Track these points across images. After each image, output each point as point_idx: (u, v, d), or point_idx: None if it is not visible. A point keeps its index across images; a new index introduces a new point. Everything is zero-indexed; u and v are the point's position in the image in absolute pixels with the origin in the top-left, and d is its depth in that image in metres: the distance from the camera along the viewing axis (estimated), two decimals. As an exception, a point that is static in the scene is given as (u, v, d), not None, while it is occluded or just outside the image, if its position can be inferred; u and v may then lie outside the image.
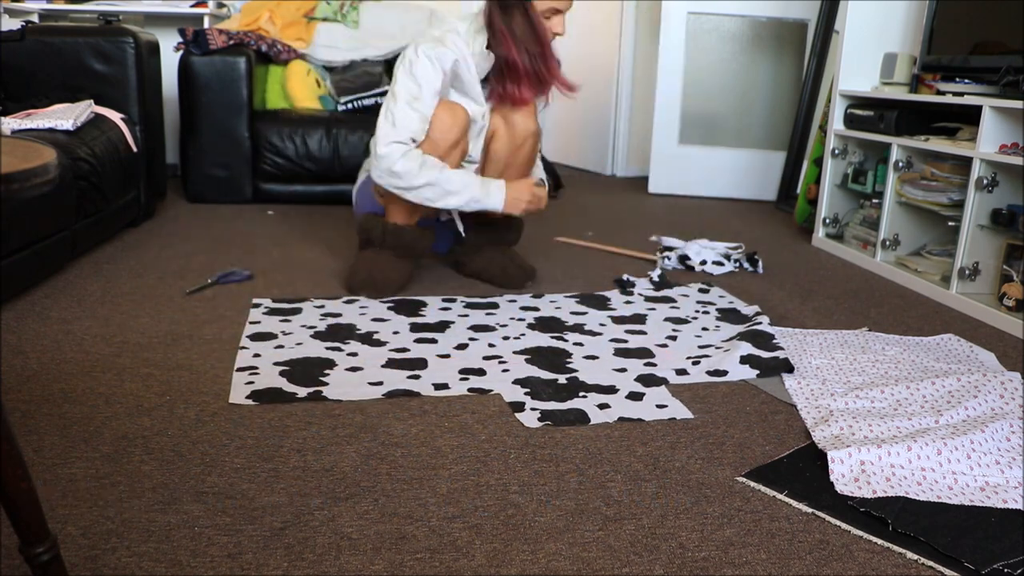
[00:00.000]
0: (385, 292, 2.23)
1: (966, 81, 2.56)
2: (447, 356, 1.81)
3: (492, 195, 2.15)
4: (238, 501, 1.20)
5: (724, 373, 1.76)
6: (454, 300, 2.23)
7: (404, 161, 2.07)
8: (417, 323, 2.02)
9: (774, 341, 1.91)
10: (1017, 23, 2.34)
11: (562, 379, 1.70)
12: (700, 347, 1.93)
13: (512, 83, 2.21)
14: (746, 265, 2.72)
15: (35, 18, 3.93)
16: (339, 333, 1.92)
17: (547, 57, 2.19)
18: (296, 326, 1.96)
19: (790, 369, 1.78)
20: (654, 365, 1.81)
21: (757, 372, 1.76)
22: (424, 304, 2.18)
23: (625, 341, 1.96)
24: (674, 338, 1.99)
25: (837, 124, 3.09)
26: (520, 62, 2.16)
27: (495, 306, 2.19)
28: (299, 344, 1.84)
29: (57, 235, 2.25)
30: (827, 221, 3.16)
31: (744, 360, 1.80)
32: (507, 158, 2.33)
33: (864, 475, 1.33)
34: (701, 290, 2.43)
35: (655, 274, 2.49)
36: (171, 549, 1.08)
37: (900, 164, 2.70)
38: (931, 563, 1.12)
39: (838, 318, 2.25)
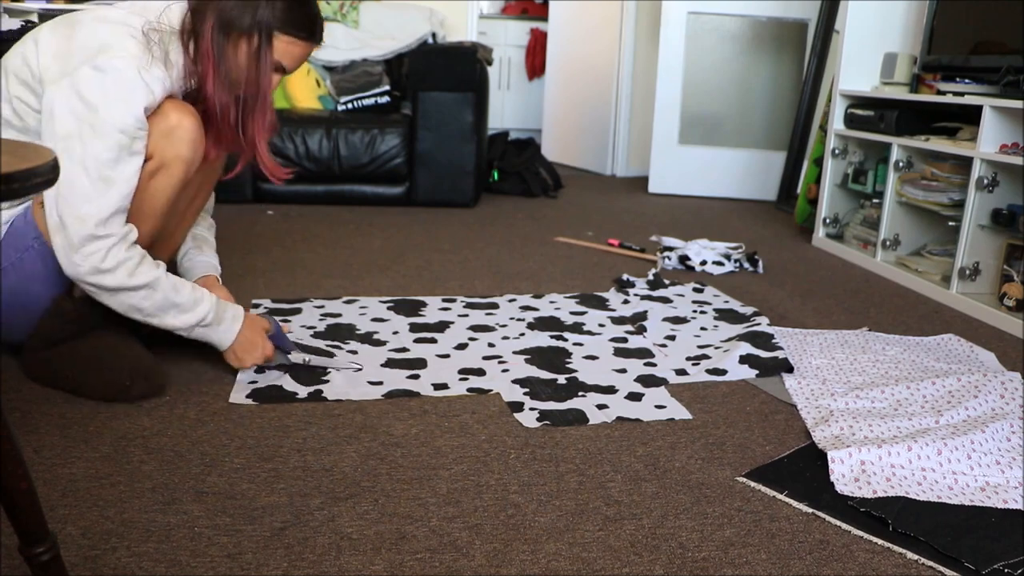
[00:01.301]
0: (159, 379, 1.56)
1: (966, 81, 2.56)
2: (447, 356, 1.81)
3: (224, 325, 1.57)
4: (238, 501, 1.20)
5: (723, 372, 1.76)
6: (454, 300, 2.23)
7: (120, 249, 1.43)
8: (417, 323, 2.02)
9: (773, 341, 1.91)
10: (1017, 23, 2.34)
11: (561, 379, 1.70)
12: (699, 347, 1.93)
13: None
14: (746, 265, 2.72)
15: (35, 18, 3.92)
16: (339, 333, 1.92)
17: (260, 114, 1.55)
18: (296, 326, 1.96)
19: (790, 369, 1.78)
20: (654, 365, 1.81)
21: (756, 372, 1.76)
22: (424, 304, 2.18)
23: (625, 341, 1.96)
24: (673, 338, 1.99)
25: (837, 124, 3.08)
26: (223, 105, 1.51)
27: (495, 306, 2.19)
28: (299, 344, 1.84)
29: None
30: (827, 221, 3.16)
31: (743, 360, 1.80)
32: (192, 194, 1.69)
33: (864, 475, 1.32)
34: (695, 289, 2.43)
35: (651, 273, 2.49)
36: (171, 549, 1.08)
37: (900, 164, 2.70)
38: (931, 563, 1.12)
39: (838, 318, 2.25)
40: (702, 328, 2.07)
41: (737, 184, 4.32)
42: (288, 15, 1.49)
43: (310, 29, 1.53)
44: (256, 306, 2.10)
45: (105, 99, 1.37)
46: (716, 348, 1.92)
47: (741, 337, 1.94)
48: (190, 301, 1.52)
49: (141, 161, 1.44)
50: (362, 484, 1.27)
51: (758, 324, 2.05)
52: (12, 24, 3.04)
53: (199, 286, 1.57)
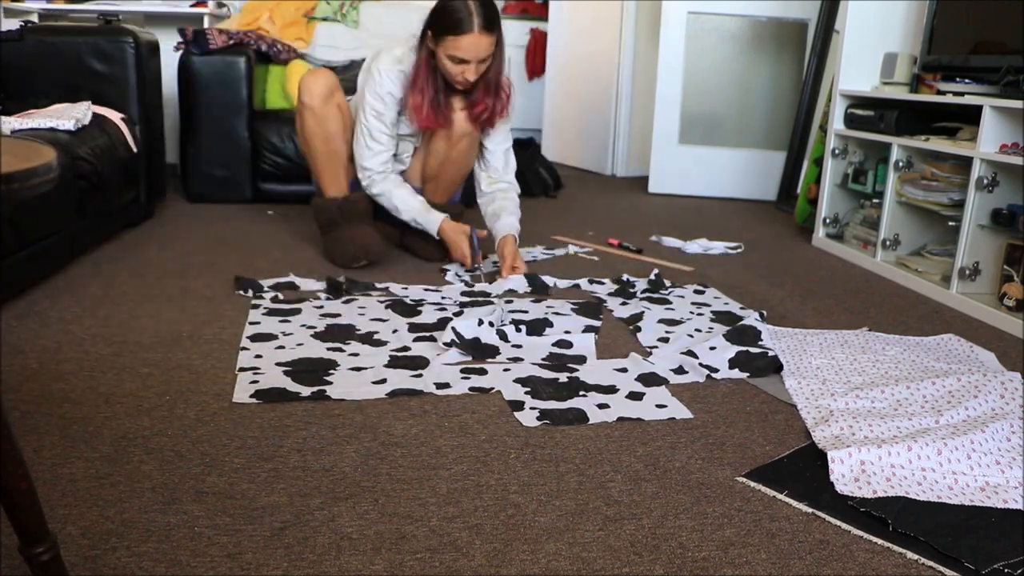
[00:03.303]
0: (376, 253, 2.49)
1: (966, 81, 2.56)
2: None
3: (430, 222, 2.50)
4: (238, 501, 1.20)
5: (715, 370, 1.76)
6: (453, 299, 2.23)
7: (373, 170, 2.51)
8: (415, 323, 2.02)
9: (760, 341, 1.89)
10: (1017, 23, 2.34)
11: (563, 378, 1.70)
12: (688, 349, 1.93)
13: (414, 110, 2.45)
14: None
15: (35, 18, 3.93)
16: (339, 334, 1.92)
17: (437, 102, 2.40)
18: (296, 326, 1.96)
19: (778, 369, 1.77)
20: (652, 364, 1.81)
21: (748, 374, 1.76)
22: (422, 304, 2.18)
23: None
24: (666, 340, 1.98)
25: (837, 124, 3.08)
26: (414, 100, 2.41)
27: (492, 304, 2.19)
28: (300, 345, 1.84)
29: (57, 235, 2.25)
30: (827, 221, 3.16)
31: (733, 364, 1.79)
32: (445, 152, 2.55)
33: (864, 475, 1.33)
34: (697, 291, 2.43)
35: (653, 273, 2.49)
36: (171, 549, 1.08)
37: (900, 164, 2.70)
38: (931, 563, 1.12)
39: (838, 318, 2.25)
40: (696, 330, 2.06)
41: (737, 184, 4.31)
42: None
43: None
44: (256, 306, 2.10)
45: None
46: (712, 349, 1.90)
47: (727, 337, 1.92)
48: (404, 206, 2.53)
49: None
50: (362, 484, 1.27)
51: (746, 319, 2.03)
52: (12, 24, 3.04)
53: (414, 197, 2.53)
